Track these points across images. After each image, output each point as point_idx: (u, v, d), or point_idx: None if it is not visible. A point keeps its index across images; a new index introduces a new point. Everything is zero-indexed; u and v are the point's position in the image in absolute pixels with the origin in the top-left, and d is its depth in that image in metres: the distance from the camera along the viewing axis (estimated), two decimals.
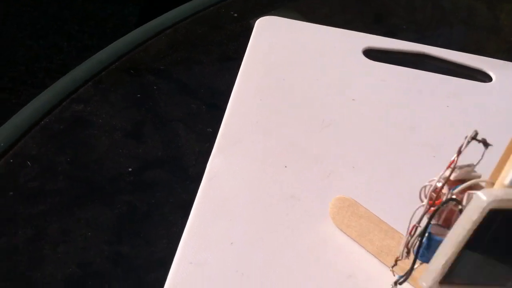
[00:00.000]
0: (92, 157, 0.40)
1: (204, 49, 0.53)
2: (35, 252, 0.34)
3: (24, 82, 1.60)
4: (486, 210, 0.21)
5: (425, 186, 0.24)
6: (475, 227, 0.21)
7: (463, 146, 0.24)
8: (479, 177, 0.25)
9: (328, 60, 0.53)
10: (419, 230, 0.24)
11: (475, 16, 0.69)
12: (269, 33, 0.55)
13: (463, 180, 0.24)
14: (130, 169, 0.40)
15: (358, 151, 0.44)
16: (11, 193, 0.37)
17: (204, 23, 0.56)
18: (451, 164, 0.24)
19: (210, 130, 0.44)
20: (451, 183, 0.24)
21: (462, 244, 0.22)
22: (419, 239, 0.24)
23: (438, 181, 0.24)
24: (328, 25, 0.57)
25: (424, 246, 0.24)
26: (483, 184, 0.24)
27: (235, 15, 0.58)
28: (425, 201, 0.24)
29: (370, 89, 0.50)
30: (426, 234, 0.24)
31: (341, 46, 0.55)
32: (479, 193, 0.21)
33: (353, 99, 0.48)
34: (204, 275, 0.33)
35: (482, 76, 0.54)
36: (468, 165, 0.25)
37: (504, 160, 0.24)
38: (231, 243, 0.36)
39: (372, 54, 0.54)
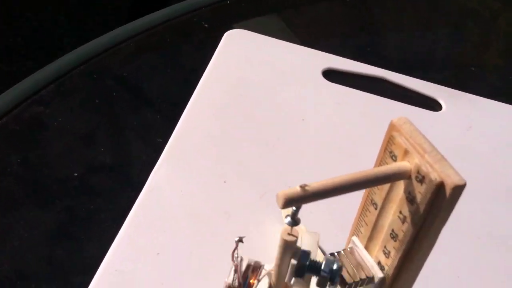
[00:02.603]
0: (42, 160, 0.43)
1: (169, 58, 0.55)
2: None
3: None
4: None
5: None
6: None
7: (235, 257, 0.27)
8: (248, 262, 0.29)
9: (287, 78, 0.55)
10: None
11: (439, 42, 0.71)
12: (235, 47, 0.57)
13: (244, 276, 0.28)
14: (76, 174, 0.42)
15: (297, 171, 0.46)
16: None
17: (174, 31, 0.58)
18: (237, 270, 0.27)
19: (160, 140, 0.46)
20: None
21: None
22: None
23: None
24: (300, 39, 0.59)
25: None
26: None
27: (206, 25, 0.60)
28: None
29: (322, 110, 0.52)
30: None
31: (302, 65, 0.57)
32: None
33: (302, 119, 0.51)
34: (126, 283, 0.36)
35: (434, 104, 0.56)
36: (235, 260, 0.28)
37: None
38: (158, 253, 0.38)
39: (331, 75, 0.56)
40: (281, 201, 0.22)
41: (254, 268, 0.29)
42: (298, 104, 0.52)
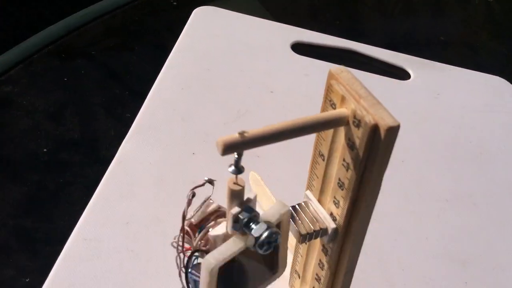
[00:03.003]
0: (11, 136, 0.43)
1: (138, 37, 0.55)
2: None
3: None
4: (216, 270, 0.25)
5: (173, 241, 0.29)
6: (215, 280, 0.25)
7: (187, 203, 0.28)
8: (216, 207, 0.30)
9: (255, 52, 0.55)
10: (183, 274, 0.28)
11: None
12: (204, 23, 0.58)
13: (206, 218, 0.29)
14: (45, 150, 0.43)
15: (267, 157, 0.46)
16: None
17: (142, 10, 0.59)
18: (183, 218, 0.28)
19: (129, 115, 0.46)
20: (197, 226, 0.29)
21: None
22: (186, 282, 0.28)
23: (180, 236, 0.28)
24: (270, 15, 0.59)
25: (193, 285, 0.28)
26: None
27: (175, 3, 0.60)
28: (176, 253, 0.28)
29: (290, 82, 0.53)
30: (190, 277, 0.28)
31: (271, 39, 0.57)
32: (207, 257, 0.25)
33: (271, 91, 0.51)
34: (95, 251, 0.37)
35: (402, 73, 0.56)
36: (204, 201, 0.29)
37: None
38: (127, 222, 0.39)
39: (299, 48, 0.57)
40: (220, 147, 0.23)
41: (219, 215, 0.30)
42: (267, 77, 0.53)
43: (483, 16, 0.74)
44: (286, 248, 0.29)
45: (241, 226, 0.26)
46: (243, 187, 0.26)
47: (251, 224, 0.26)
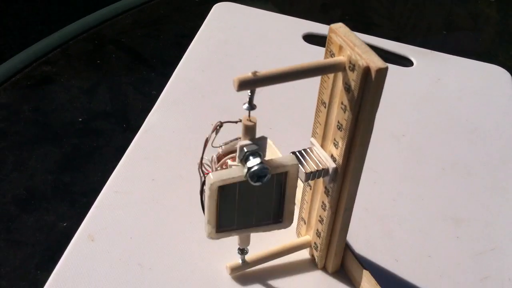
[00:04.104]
0: (50, 108, 0.49)
1: (163, 28, 0.61)
2: None
3: None
4: (215, 187, 0.30)
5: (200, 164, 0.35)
6: (215, 196, 0.30)
7: (212, 130, 0.34)
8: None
9: (270, 41, 0.60)
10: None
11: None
12: (223, 17, 0.63)
13: (231, 151, 0.35)
14: (80, 119, 0.48)
15: (278, 121, 0.51)
16: None
17: (167, 5, 0.64)
18: (205, 145, 0.34)
19: (155, 92, 0.52)
20: (224, 156, 0.35)
21: (214, 207, 0.31)
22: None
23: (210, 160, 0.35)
24: (283, 11, 0.64)
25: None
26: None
27: (196, 0, 0.66)
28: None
29: None
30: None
31: (284, 30, 0.62)
32: (210, 174, 0.30)
33: None
34: (125, 202, 0.41)
35: (406, 61, 0.61)
36: (236, 138, 0.35)
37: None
38: (153, 179, 0.44)
39: (311, 38, 0.62)
40: (236, 84, 0.28)
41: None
42: (280, 63, 0.58)
43: (486, 16, 0.79)
44: (293, 203, 0.33)
45: (243, 156, 0.30)
46: (255, 123, 0.31)
47: (250, 157, 0.30)
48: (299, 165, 0.33)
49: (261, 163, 0.30)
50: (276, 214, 0.34)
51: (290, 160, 0.32)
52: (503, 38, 0.74)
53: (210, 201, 0.31)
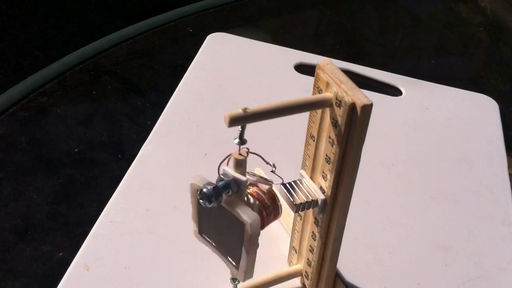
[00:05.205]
0: (47, 139, 0.50)
1: (157, 58, 0.62)
2: None
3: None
4: (194, 188, 0.32)
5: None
6: (195, 196, 0.32)
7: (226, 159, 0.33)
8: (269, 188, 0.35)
9: (262, 71, 0.62)
10: None
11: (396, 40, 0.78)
12: (216, 47, 0.64)
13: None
14: (76, 150, 0.49)
15: (270, 148, 0.52)
16: None
17: (162, 36, 0.66)
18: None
19: (149, 123, 0.53)
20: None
21: (195, 206, 0.33)
22: None
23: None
24: (274, 41, 0.66)
25: None
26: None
27: (191, 30, 0.67)
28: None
29: (292, 96, 0.59)
30: None
31: (276, 60, 0.64)
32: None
33: None
34: (119, 232, 0.42)
35: (394, 91, 0.63)
36: (267, 180, 0.35)
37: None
38: (147, 209, 0.45)
39: (302, 68, 0.63)
40: (227, 120, 0.29)
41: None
42: (271, 92, 0.59)
43: (477, 45, 0.81)
44: (249, 260, 0.32)
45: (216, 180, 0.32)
46: (245, 157, 0.32)
47: (220, 182, 0.31)
48: (289, 196, 0.35)
49: (212, 189, 0.31)
50: (238, 260, 0.33)
51: (247, 215, 0.31)
52: (493, 63, 0.76)
53: (192, 198, 0.33)
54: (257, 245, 0.32)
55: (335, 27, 0.79)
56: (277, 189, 0.35)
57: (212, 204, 0.31)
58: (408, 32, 0.82)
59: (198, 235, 0.35)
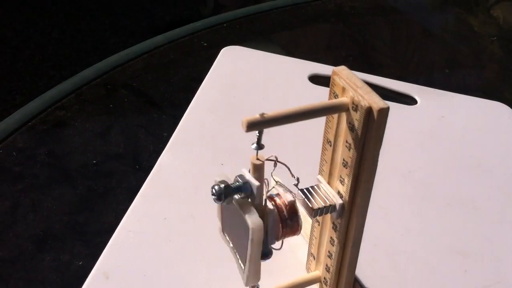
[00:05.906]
0: (65, 151, 0.50)
1: (173, 72, 0.63)
2: (10, 218, 0.44)
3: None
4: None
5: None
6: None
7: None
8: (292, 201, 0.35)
9: (276, 82, 0.62)
10: None
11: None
12: (231, 60, 0.65)
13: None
14: (94, 161, 0.50)
15: (284, 158, 0.52)
16: None
17: (177, 50, 0.66)
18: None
19: (166, 134, 0.53)
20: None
21: (220, 211, 0.34)
22: None
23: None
24: (288, 53, 0.67)
25: None
26: None
27: (205, 44, 0.68)
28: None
29: None
30: None
31: (291, 72, 0.64)
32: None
33: None
34: (138, 241, 0.43)
35: (410, 100, 0.63)
36: (291, 192, 0.35)
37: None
38: (165, 218, 0.45)
39: (316, 79, 0.64)
40: (245, 125, 0.30)
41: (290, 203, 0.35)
42: (286, 103, 0.59)
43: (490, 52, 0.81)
44: (254, 264, 0.32)
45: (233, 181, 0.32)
46: (263, 162, 0.32)
47: (236, 183, 0.32)
48: (307, 201, 0.35)
49: (225, 186, 0.31)
50: (245, 263, 0.33)
51: (252, 220, 0.31)
52: (507, 72, 0.75)
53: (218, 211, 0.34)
54: (260, 251, 0.32)
55: (347, 40, 0.80)
56: (299, 203, 0.35)
57: (221, 202, 0.31)
58: (420, 44, 0.82)
59: (221, 232, 0.35)
